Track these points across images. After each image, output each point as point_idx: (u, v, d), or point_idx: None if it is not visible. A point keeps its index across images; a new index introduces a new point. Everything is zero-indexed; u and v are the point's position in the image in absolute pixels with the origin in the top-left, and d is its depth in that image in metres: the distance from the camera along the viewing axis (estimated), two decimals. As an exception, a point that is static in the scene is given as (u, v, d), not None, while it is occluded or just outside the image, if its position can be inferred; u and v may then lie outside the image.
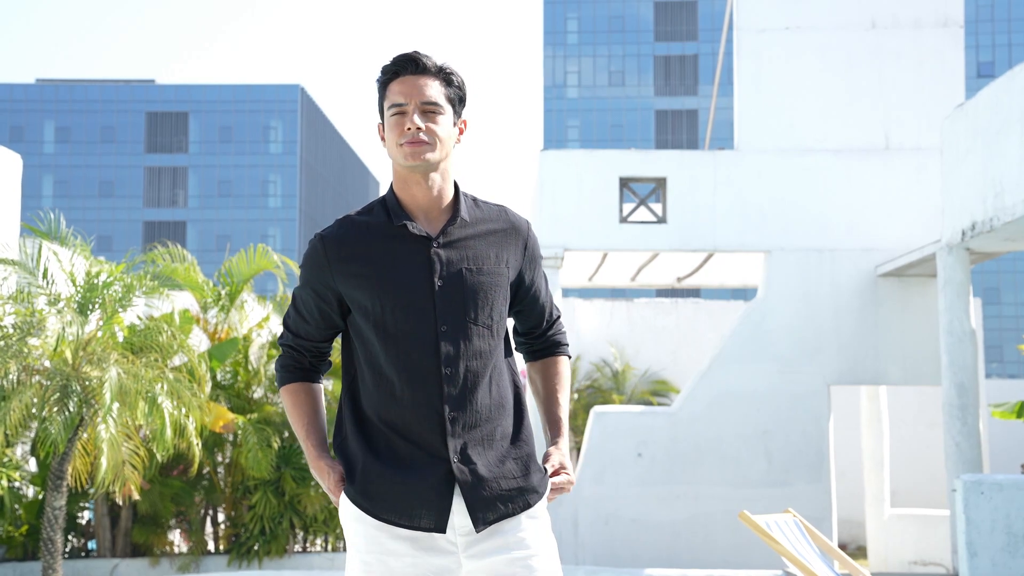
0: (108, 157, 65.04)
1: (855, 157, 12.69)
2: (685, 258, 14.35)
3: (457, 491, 2.51)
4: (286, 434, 11.05)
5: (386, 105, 2.57)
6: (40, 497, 10.20)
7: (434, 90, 2.56)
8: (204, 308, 11.26)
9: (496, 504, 2.52)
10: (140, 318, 10.41)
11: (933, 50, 12.82)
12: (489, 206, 2.67)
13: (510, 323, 2.79)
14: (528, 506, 2.56)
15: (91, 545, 10.87)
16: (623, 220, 12.73)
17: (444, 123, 2.55)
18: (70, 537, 10.65)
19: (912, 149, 12.69)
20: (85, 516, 10.92)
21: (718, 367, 12.44)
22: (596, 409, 12.41)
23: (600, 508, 12.06)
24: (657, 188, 12.89)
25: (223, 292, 11.20)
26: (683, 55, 64.97)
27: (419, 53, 2.59)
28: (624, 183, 12.80)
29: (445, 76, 2.59)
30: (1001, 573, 6.34)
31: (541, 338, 2.81)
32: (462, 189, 2.67)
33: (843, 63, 12.87)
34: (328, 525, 11.15)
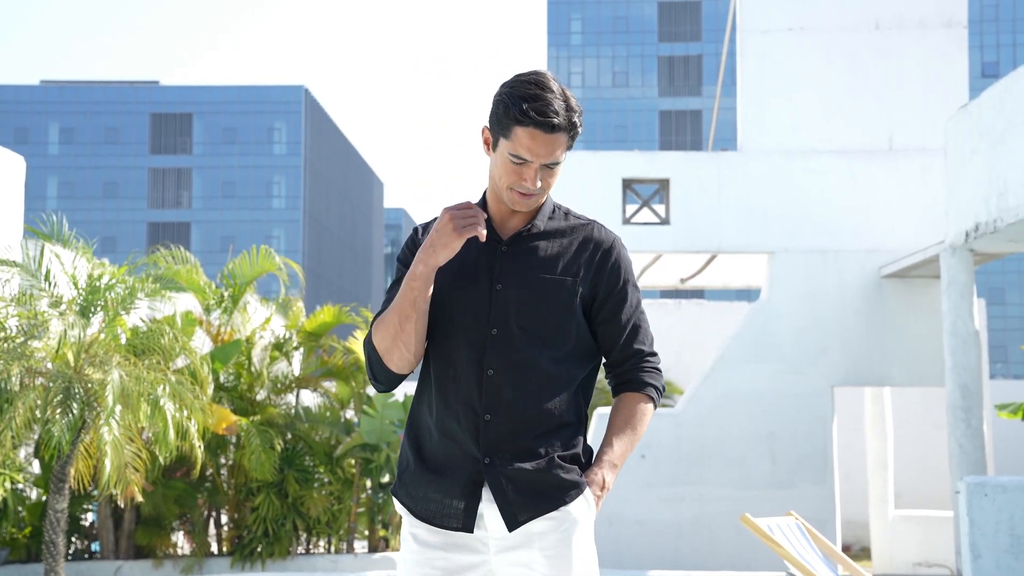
0: (112, 158, 65.12)
1: (859, 158, 12.67)
2: (689, 259, 14.34)
3: (487, 493, 2.50)
4: (289, 436, 11.05)
5: (505, 144, 2.48)
6: (43, 499, 10.20)
7: (561, 148, 2.50)
8: (207, 310, 11.26)
9: (528, 505, 2.49)
10: (143, 320, 10.41)
11: (937, 51, 12.80)
12: (579, 219, 2.65)
13: None
14: (563, 503, 2.51)
15: (94, 547, 10.87)
16: (626, 221, 12.72)
17: (558, 171, 2.54)
18: (73, 539, 10.65)
19: (916, 150, 12.66)
20: (88, 518, 10.92)
21: (722, 368, 12.42)
22: (599, 411, 12.40)
23: (604, 510, 12.04)
24: (660, 189, 12.87)
25: (226, 294, 11.20)
26: (687, 55, 64.94)
27: (556, 110, 2.46)
28: (627, 184, 12.79)
29: (573, 131, 2.51)
30: (1005, 575, 6.31)
31: (620, 369, 2.67)
32: (555, 202, 2.68)
33: (847, 64, 12.84)
34: (331, 527, 11.14)
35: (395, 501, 2.63)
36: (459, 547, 2.52)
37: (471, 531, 2.49)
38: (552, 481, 2.51)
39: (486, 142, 2.55)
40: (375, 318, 2.62)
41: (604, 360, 2.69)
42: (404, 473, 2.61)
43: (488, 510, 2.50)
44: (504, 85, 2.50)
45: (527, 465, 2.50)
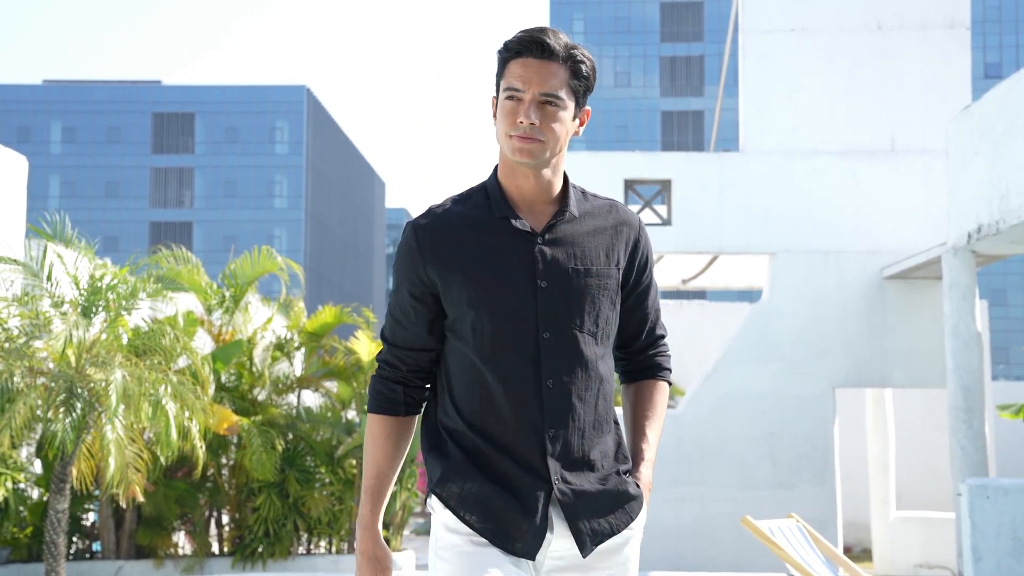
0: (114, 158, 65.15)
1: (861, 159, 12.66)
2: (690, 260, 14.34)
3: (557, 513, 2.28)
4: (290, 436, 11.05)
5: (502, 85, 2.27)
6: (44, 499, 10.21)
7: (558, 80, 2.25)
8: (208, 310, 11.26)
9: (600, 529, 2.30)
10: (145, 320, 10.41)
11: (939, 52, 12.79)
12: (599, 200, 2.41)
13: None
14: (631, 520, 2.34)
15: (96, 547, 10.87)
16: (628, 222, 12.71)
17: (563, 119, 2.26)
18: (74, 539, 10.65)
19: (918, 151, 12.65)
20: (89, 518, 10.92)
21: (723, 369, 12.42)
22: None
23: (605, 510, 12.05)
24: (662, 190, 12.87)
25: (227, 294, 11.20)
26: (689, 56, 64.92)
27: (548, 34, 2.26)
28: (629, 185, 12.79)
29: (574, 64, 2.26)
30: (1006, 578, 6.31)
31: (639, 356, 2.49)
32: (571, 181, 2.41)
33: (849, 65, 12.84)
34: (332, 527, 11.14)
35: (440, 508, 2.33)
36: (516, 566, 2.28)
37: (533, 558, 2.27)
38: (619, 498, 2.33)
39: (494, 113, 2.33)
40: (384, 333, 2.42)
41: (620, 346, 2.49)
42: (450, 479, 2.31)
43: (556, 532, 2.29)
44: None
45: (593, 482, 2.30)
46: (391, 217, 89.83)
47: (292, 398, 11.69)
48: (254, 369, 11.23)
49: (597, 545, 2.29)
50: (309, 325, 11.66)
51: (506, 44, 2.28)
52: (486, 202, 2.33)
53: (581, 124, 2.34)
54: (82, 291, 8.90)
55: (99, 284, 8.90)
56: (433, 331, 2.36)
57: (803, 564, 5.42)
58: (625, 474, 2.36)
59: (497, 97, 2.31)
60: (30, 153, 58.41)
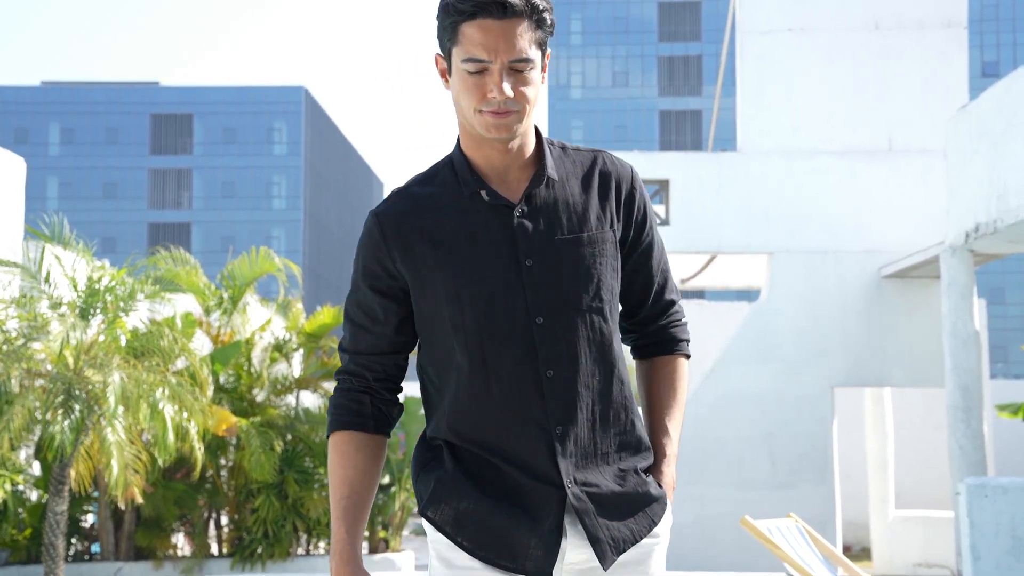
0: (113, 159, 65.14)
1: (859, 159, 12.66)
2: (689, 260, 14.34)
3: (572, 521, 2.00)
4: (289, 437, 11.04)
5: (457, 53, 1.95)
6: (43, 501, 10.20)
7: (525, 40, 1.94)
8: (207, 311, 11.26)
9: (622, 532, 2.02)
10: (143, 322, 10.41)
11: (937, 51, 12.80)
12: (581, 153, 2.10)
13: None
14: (653, 525, 2.06)
15: (94, 548, 10.87)
16: (626, 222, 12.72)
17: (535, 80, 1.97)
18: (73, 540, 10.65)
19: (916, 151, 12.66)
20: (88, 520, 10.92)
21: (722, 369, 12.42)
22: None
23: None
24: (660, 190, 12.88)
25: (225, 295, 11.20)
26: (687, 55, 64.93)
27: None
28: (627, 185, 12.80)
29: (538, 16, 1.96)
30: (1005, 577, 6.31)
31: (649, 326, 2.16)
32: (546, 137, 2.09)
33: (847, 64, 12.84)
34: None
35: (432, 531, 2.06)
36: None
37: (549, 574, 1.99)
38: (640, 500, 2.05)
39: (442, 74, 2.02)
40: (342, 345, 2.12)
41: (626, 315, 2.18)
42: (442, 495, 2.03)
43: (571, 542, 2.01)
44: None
45: (610, 482, 2.03)
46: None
47: (291, 399, 11.69)
48: (252, 370, 11.23)
49: (619, 555, 2.01)
50: (307, 326, 11.66)
51: (452, 3, 1.94)
52: (454, 178, 2.04)
53: (544, 70, 2.01)
54: (80, 292, 8.90)
55: (97, 285, 8.90)
56: (401, 331, 2.06)
57: (802, 564, 5.42)
58: (645, 472, 2.08)
59: (447, 61, 1.99)
60: (28, 154, 58.39)
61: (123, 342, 9.15)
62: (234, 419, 10.14)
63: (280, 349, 11.50)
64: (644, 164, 13.01)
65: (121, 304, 8.92)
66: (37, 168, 60.75)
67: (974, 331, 10.27)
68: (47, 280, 8.90)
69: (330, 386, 11.97)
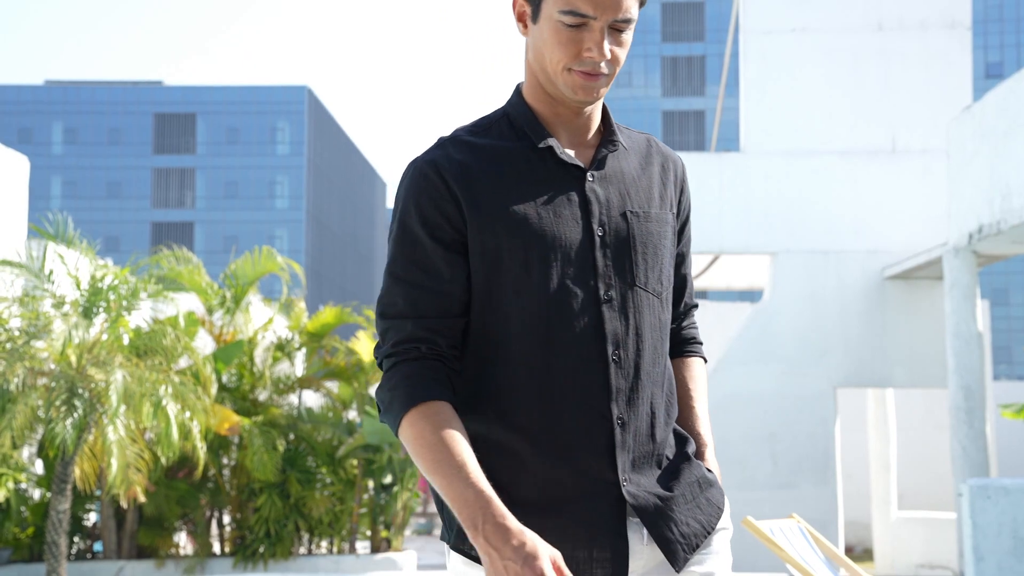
0: (116, 158, 65.19)
1: (861, 159, 12.66)
2: (692, 260, 14.32)
3: (633, 523, 1.79)
4: (291, 436, 11.05)
5: (556, 3, 1.76)
6: (46, 499, 10.22)
7: None
8: (209, 310, 11.27)
9: (691, 526, 1.82)
10: (146, 320, 10.42)
11: (940, 52, 12.79)
12: (633, 133, 1.96)
13: None
14: (720, 511, 1.89)
15: (97, 547, 10.88)
16: (629, 222, 12.73)
17: (628, 41, 1.82)
18: (76, 539, 10.67)
19: (919, 151, 12.65)
20: (91, 518, 10.93)
21: (724, 369, 12.42)
22: (602, 411, 12.42)
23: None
24: (663, 190, 12.89)
25: (228, 294, 11.21)
26: (690, 56, 64.91)
27: None
28: (630, 185, 12.81)
29: None
30: (1007, 578, 6.31)
31: (674, 324, 2.03)
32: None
33: (849, 65, 12.84)
34: (333, 528, 11.15)
35: (456, 557, 1.81)
36: None
37: None
38: (700, 487, 1.87)
39: (520, 17, 1.84)
40: (385, 335, 1.80)
41: None
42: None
43: (632, 549, 1.80)
44: None
45: (669, 475, 1.85)
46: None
47: (293, 398, 11.70)
48: (255, 369, 11.24)
49: (693, 552, 1.82)
50: (310, 325, 11.67)
51: None
52: (513, 132, 1.85)
53: None
54: (83, 291, 8.91)
55: (100, 284, 8.91)
56: (467, 290, 1.80)
57: (804, 565, 5.42)
58: (702, 465, 1.91)
59: (533, 5, 1.80)
60: (31, 154, 58.45)
61: (126, 341, 9.16)
62: (236, 418, 10.15)
63: (283, 348, 11.50)
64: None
65: (124, 303, 8.94)
66: (40, 167, 60.80)
67: (977, 331, 10.26)
68: (50, 279, 8.91)
69: (332, 386, 11.97)
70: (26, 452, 10.14)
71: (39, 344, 8.69)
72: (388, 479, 11.34)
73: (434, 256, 1.79)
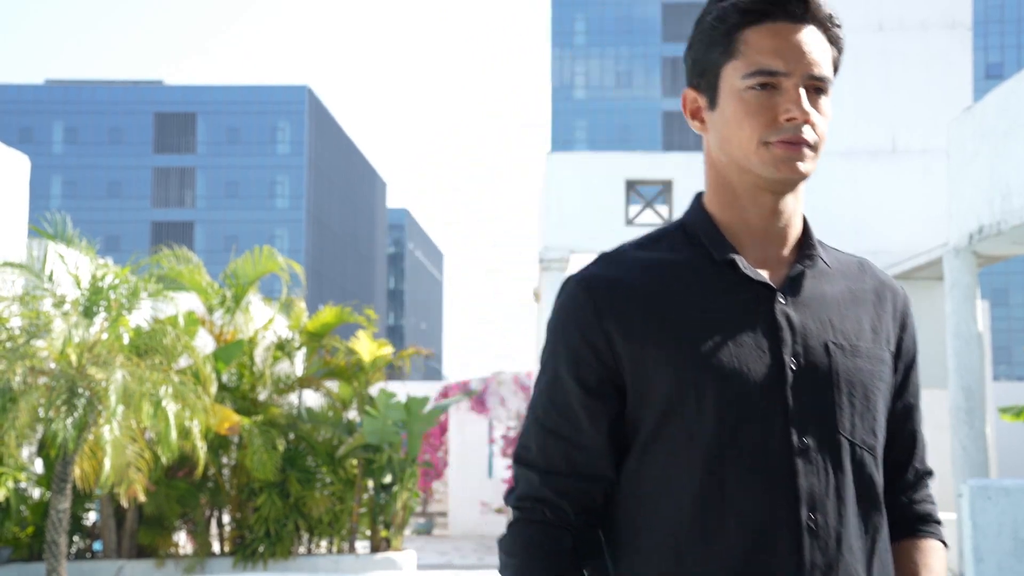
0: (116, 158, 65.22)
1: (862, 159, 12.66)
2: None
3: None
4: (291, 436, 11.05)
5: (735, 69, 1.50)
6: (46, 499, 10.22)
7: (827, 54, 1.51)
8: (210, 310, 11.28)
9: None
10: (146, 320, 10.43)
11: (940, 52, 12.80)
12: (840, 253, 1.64)
13: None
14: None
15: (97, 546, 10.88)
16: (629, 222, 12.72)
17: (829, 113, 1.52)
18: (75, 538, 10.67)
19: (919, 152, 12.66)
20: (91, 518, 10.94)
21: (724, 370, 12.43)
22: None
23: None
24: (664, 191, 12.87)
25: (228, 294, 11.21)
26: (691, 56, 64.95)
27: None
28: (631, 186, 12.80)
29: (833, 28, 1.52)
30: (1007, 579, 6.31)
31: (903, 496, 1.62)
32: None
33: (850, 65, 12.84)
34: (333, 527, 11.15)
35: None
36: None
37: None
38: None
39: (694, 114, 1.56)
40: (528, 457, 1.53)
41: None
42: None
43: None
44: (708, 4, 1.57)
45: None
46: (392, 217, 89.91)
47: (293, 398, 11.70)
48: (255, 369, 11.24)
49: None
50: (310, 325, 11.67)
51: (738, 6, 1.50)
52: (688, 244, 1.55)
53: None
54: (83, 291, 8.92)
55: (100, 284, 8.91)
56: (613, 445, 1.51)
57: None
58: None
59: (708, 93, 1.54)
60: (32, 153, 58.47)
61: (126, 340, 9.17)
62: (236, 418, 10.15)
63: (283, 348, 11.50)
64: (647, 165, 13.02)
65: (124, 302, 8.94)
66: (41, 166, 60.80)
67: (977, 332, 10.27)
68: (51, 278, 8.92)
69: (332, 385, 11.97)
70: (26, 451, 10.15)
71: (39, 343, 8.69)
72: (388, 479, 11.34)
73: (573, 400, 1.51)
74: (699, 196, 1.60)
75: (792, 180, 1.50)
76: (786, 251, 1.56)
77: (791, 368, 1.47)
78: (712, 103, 1.53)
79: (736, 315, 1.49)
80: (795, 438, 1.46)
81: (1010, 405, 10.51)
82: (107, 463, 8.10)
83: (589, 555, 1.52)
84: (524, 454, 1.53)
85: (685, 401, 1.46)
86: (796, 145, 1.47)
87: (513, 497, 1.54)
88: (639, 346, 1.48)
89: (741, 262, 1.51)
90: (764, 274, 1.52)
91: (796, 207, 1.56)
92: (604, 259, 1.56)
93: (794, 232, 1.57)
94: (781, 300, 1.51)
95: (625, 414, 1.50)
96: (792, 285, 1.52)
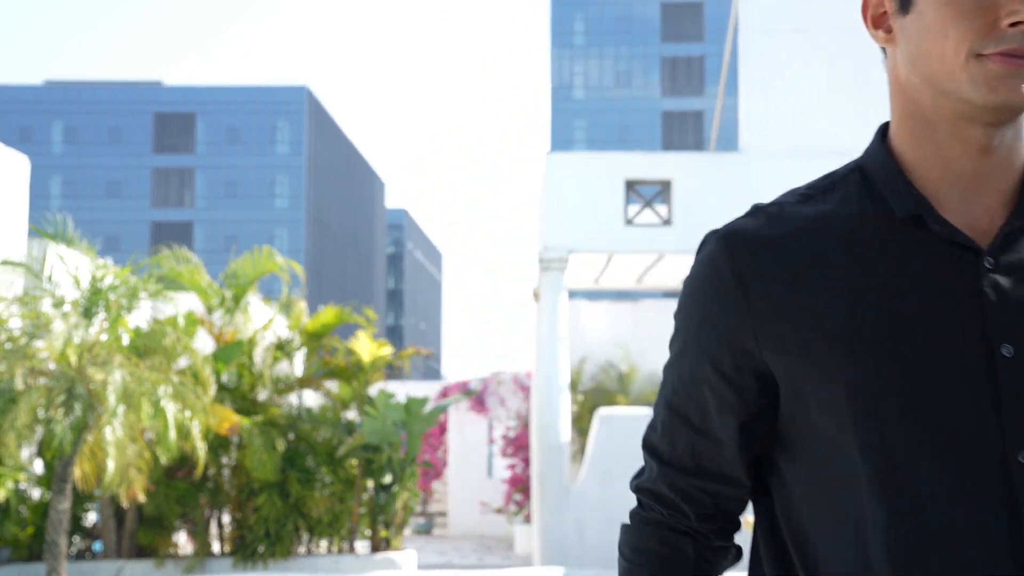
0: (116, 158, 65.23)
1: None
2: (690, 260, 14.34)
3: None
4: (291, 436, 11.05)
5: None
6: (46, 499, 10.23)
7: None
8: (209, 310, 11.28)
9: None
10: (146, 320, 10.44)
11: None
12: None
13: None
14: None
15: (96, 547, 10.89)
16: (629, 222, 12.73)
17: None
18: (75, 539, 10.68)
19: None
20: (90, 518, 10.95)
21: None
22: (602, 411, 12.41)
23: (606, 510, 12.05)
24: (663, 190, 12.88)
25: (228, 294, 11.22)
26: (689, 56, 64.94)
27: None
28: (630, 185, 12.80)
29: None
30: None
31: None
32: None
33: (849, 64, 12.85)
34: (333, 527, 11.16)
35: None
36: None
37: None
38: None
39: (877, 22, 1.20)
40: (652, 441, 1.28)
41: None
42: None
43: None
44: None
45: None
46: (391, 218, 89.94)
47: (293, 398, 11.71)
48: (255, 369, 11.25)
49: None
50: (310, 325, 11.68)
51: None
52: (866, 193, 1.21)
53: None
54: (83, 291, 8.92)
55: (100, 284, 8.92)
56: (751, 442, 1.24)
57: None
58: None
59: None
60: (31, 153, 58.46)
61: (126, 341, 9.17)
62: (236, 418, 10.16)
63: (282, 348, 11.51)
64: (646, 164, 13.03)
65: (124, 303, 8.95)
66: (40, 167, 60.81)
67: None
68: (50, 279, 8.92)
69: (332, 385, 11.97)
70: (26, 452, 10.15)
71: (39, 344, 8.70)
72: (388, 479, 11.35)
73: (703, 385, 1.23)
74: (883, 129, 1.24)
75: (1013, 106, 1.13)
76: (998, 202, 1.18)
77: (1005, 355, 1.13)
78: (905, 4, 1.16)
79: (926, 287, 1.15)
80: (1013, 452, 1.11)
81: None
82: (110, 464, 8.11)
83: (718, 564, 1.30)
84: (649, 435, 1.29)
85: (854, 401, 1.14)
86: (1021, 59, 1.11)
87: (634, 482, 1.31)
88: (792, 325, 1.17)
89: (935, 217, 1.16)
90: (967, 232, 1.17)
91: (1016, 145, 1.19)
92: (759, 212, 1.23)
93: (1011, 177, 1.19)
94: (989, 266, 1.15)
95: (778, 412, 1.21)
96: (1006, 246, 1.16)
